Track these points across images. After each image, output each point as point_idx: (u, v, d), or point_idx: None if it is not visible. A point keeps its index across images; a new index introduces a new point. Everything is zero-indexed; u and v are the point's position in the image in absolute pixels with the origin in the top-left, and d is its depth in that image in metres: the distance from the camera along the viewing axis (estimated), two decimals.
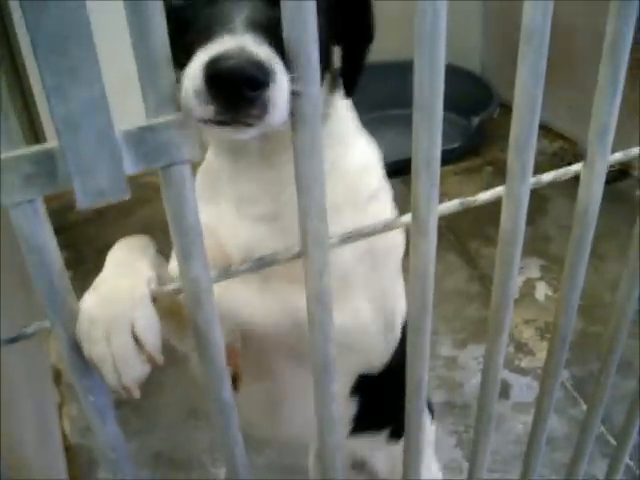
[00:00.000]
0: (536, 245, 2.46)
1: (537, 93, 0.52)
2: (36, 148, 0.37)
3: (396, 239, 0.78)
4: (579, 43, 2.72)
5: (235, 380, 0.76)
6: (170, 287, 0.49)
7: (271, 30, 0.50)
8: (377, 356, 0.79)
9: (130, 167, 0.39)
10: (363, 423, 0.91)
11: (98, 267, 0.57)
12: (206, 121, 0.49)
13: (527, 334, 2.12)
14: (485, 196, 0.58)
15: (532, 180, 0.58)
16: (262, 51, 0.48)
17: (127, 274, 0.51)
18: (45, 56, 0.33)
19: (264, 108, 0.48)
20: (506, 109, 3.44)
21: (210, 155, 0.79)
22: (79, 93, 0.34)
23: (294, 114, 0.44)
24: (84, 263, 2.33)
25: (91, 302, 0.47)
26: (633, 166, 2.94)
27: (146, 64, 0.37)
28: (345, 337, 0.74)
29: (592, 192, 0.63)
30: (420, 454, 0.72)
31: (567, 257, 0.68)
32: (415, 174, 0.51)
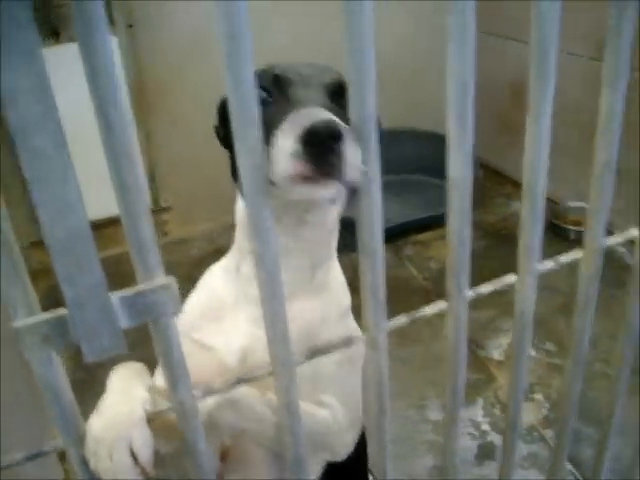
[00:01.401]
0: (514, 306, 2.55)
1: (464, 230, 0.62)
2: (51, 315, 0.47)
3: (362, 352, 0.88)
4: (554, 106, 2.87)
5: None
6: (161, 409, 0.59)
7: (332, 110, 0.66)
8: (345, 448, 0.86)
9: (125, 323, 0.49)
10: None
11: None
12: (297, 179, 0.61)
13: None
14: (430, 310, 0.68)
15: (469, 294, 0.69)
16: (332, 116, 0.62)
17: (126, 400, 0.62)
18: (57, 255, 0.44)
19: (342, 158, 0.59)
20: (488, 171, 3.60)
21: (220, 272, 0.91)
22: (83, 280, 0.45)
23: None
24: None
25: (96, 425, 0.57)
26: (616, 225, 3.05)
27: (137, 245, 0.48)
28: (322, 429, 0.83)
29: (526, 298, 0.72)
30: None
31: (513, 359, 0.78)
32: (364, 301, 0.61)
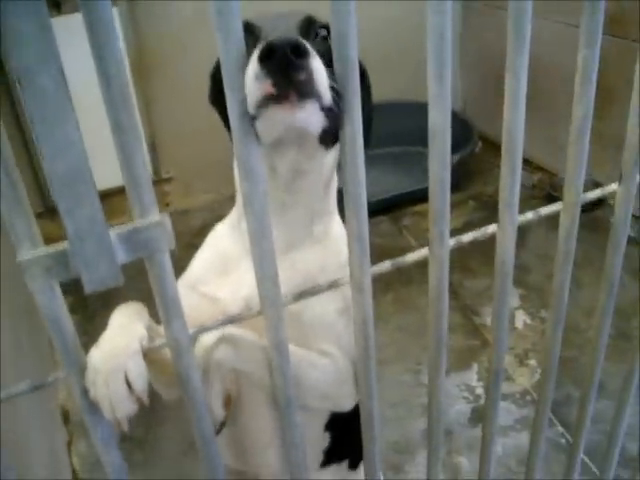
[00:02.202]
0: (515, 275, 2.57)
1: (445, 177, 0.66)
2: (53, 248, 0.51)
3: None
4: (556, 78, 2.88)
5: (222, 424, 0.89)
6: (157, 344, 0.63)
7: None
8: (347, 399, 0.88)
9: (122, 258, 0.52)
10: (331, 455, 1.03)
11: (100, 311, 0.71)
12: (267, 102, 0.59)
13: (507, 361, 2.24)
14: (413, 256, 0.72)
15: (451, 242, 0.72)
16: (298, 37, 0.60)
17: (124, 334, 0.66)
18: (59, 189, 0.47)
19: (310, 76, 0.59)
20: (488, 143, 3.62)
21: (226, 228, 0.95)
22: (83, 214, 0.48)
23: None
24: (88, 307, 2.47)
25: (96, 357, 0.61)
26: (609, 195, 3.07)
27: (133, 184, 0.51)
28: (323, 377, 0.86)
29: (506, 248, 0.76)
30: (377, 475, 0.85)
31: (494, 305, 0.82)
32: (350, 247, 0.64)
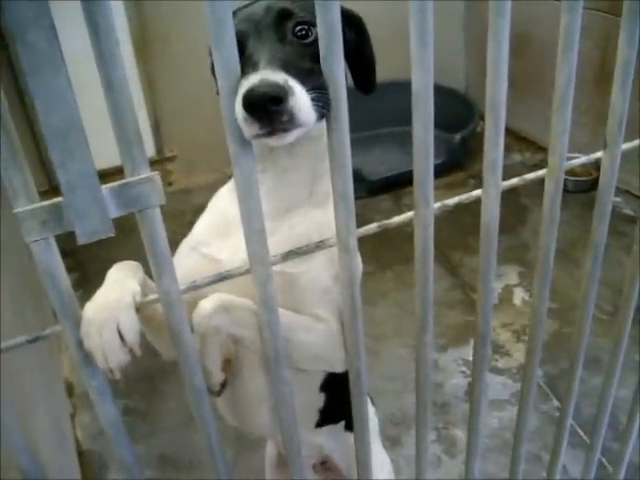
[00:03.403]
0: (515, 253, 2.62)
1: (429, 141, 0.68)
2: (49, 203, 0.53)
3: (359, 265, 0.94)
4: (550, 57, 2.89)
5: (222, 387, 0.92)
6: (149, 298, 0.65)
7: (288, 60, 0.72)
8: (340, 362, 0.91)
9: (114, 212, 0.55)
10: (326, 416, 1.06)
11: (99, 274, 0.74)
12: (258, 136, 0.66)
13: (504, 337, 2.27)
14: (398, 219, 0.74)
15: (436, 205, 0.74)
16: (279, 77, 0.68)
17: (118, 289, 0.68)
18: (53, 142, 0.49)
19: (291, 113, 0.67)
20: None
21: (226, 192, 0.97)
22: (75, 167, 0.50)
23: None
24: (91, 281, 2.50)
25: (90, 309, 0.64)
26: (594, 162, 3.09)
27: (124, 141, 0.53)
28: (317, 341, 0.89)
29: (490, 212, 0.78)
30: (366, 432, 0.88)
31: (480, 268, 0.84)
32: (335, 206, 0.67)
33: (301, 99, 0.68)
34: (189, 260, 0.89)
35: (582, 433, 1.89)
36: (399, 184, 3.11)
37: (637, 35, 0.76)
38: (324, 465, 1.26)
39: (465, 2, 3.71)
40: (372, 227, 0.72)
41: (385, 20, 3.36)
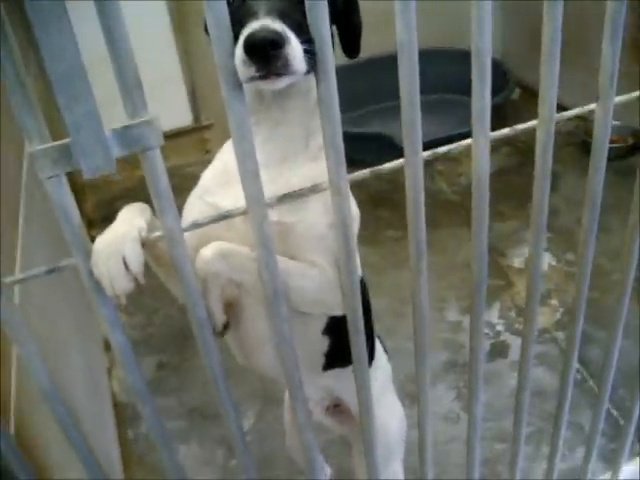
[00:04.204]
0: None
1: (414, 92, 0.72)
2: (59, 143, 0.59)
3: (354, 214, 0.99)
4: (593, 28, 2.86)
5: (225, 328, 0.99)
6: (154, 235, 0.72)
7: (284, 12, 0.79)
8: (338, 305, 0.94)
9: (117, 152, 0.61)
10: (333, 359, 1.12)
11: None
12: (253, 79, 0.74)
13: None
14: (390, 165, 0.78)
15: (426, 153, 0.79)
16: (277, 26, 0.75)
17: (126, 225, 0.75)
18: (58, 87, 0.55)
19: (286, 59, 0.74)
20: (527, 92, 3.61)
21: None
22: (79, 109, 0.57)
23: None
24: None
25: (99, 242, 0.71)
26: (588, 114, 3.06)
27: (125, 88, 0.59)
28: (312, 286, 0.95)
29: (480, 161, 0.82)
30: (365, 371, 0.93)
31: (472, 219, 0.88)
32: (326, 152, 0.72)
33: (296, 48, 0.75)
34: (195, 208, 0.95)
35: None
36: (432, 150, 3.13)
37: None
38: (337, 408, 1.32)
39: None
40: (364, 172, 0.77)
41: None
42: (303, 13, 0.66)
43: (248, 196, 0.70)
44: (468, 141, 0.82)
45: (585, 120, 3.20)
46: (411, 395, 2.00)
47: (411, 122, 0.74)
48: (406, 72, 0.71)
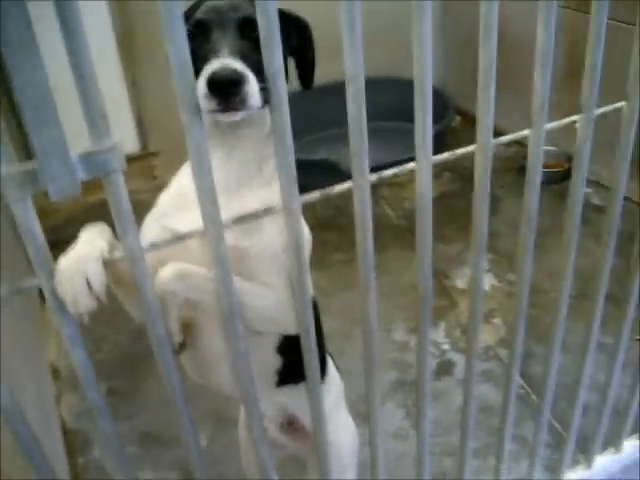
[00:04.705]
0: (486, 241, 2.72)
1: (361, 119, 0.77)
2: (25, 167, 0.62)
3: (307, 238, 1.04)
4: (526, 53, 2.99)
5: (182, 346, 1.02)
6: (114, 255, 0.75)
7: (243, 52, 0.88)
8: (291, 324, 0.97)
9: (82, 175, 0.64)
10: (285, 376, 1.15)
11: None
12: (212, 111, 0.84)
13: None
14: (340, 188, 0.83)
15: (373, 176, 0.84)
16: (238, 65, 0.84)
17: (88, 246, 0.78)
18: (27, 111, 0.59)
19: (244, 96, 0.84)
20: (467, 119, 3.73)
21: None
22: (48, 134, 0.60)
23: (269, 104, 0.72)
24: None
25: (62, 262, 0.74)
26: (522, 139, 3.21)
27: (89, 115, 0.63)
28: (265, 305, 0.98)
29: (423, 182, 0.88)
30: (317, 387, 0.97)
31: (416, 240, 0.94)
32: (280, 174, 0.76)
33: (253, 85, 0.84)
34: (152, 230, 0.99)
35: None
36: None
37: (553, 21, 0.86)
38: (291, 425, 1.35)
39: (441, 2, 3.81)
40: (314, 195, 0.82)
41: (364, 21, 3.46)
42: (259, 51, 0.71)
43: (205, 216, 0.74)
44: (412, 164, 0.88)
45: (524, 146, 3.33)
46: (362, 414, 2.04)
47: (359, 146, 0.79)
48: (354, 102, 0.76)
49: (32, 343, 2.09)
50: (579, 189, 1.08)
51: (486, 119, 0.88)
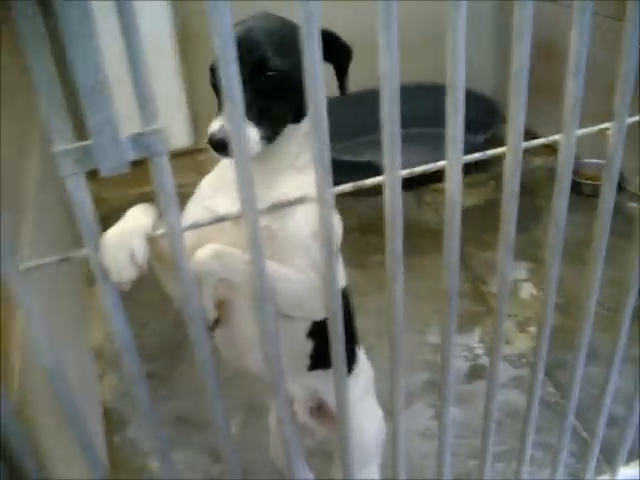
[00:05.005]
0: (527, 250, 2.73)
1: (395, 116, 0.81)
2: (81, 144, 0.68)
3: (337, 227, 1.08)
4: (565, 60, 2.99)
5: (216, 323, 1.08)
6: (158, 232, 0.81)
7: (249, 103, 0.89)
8: (319, 311, 1.05)
9: (130, 155, 0.70)
10: (317, 360, 1.20)
11: None
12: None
13: (508, 327, 2.39)
14: (370, 181, 0.88)
15: (404, 172, 0.88)
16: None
17: (133, 222, 0.84)
18: (85, 97, 0.65)
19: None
20: None
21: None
22: (102, 116, 0.66)
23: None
24: None
25: (108, 235, 0.80)
26: (627, 181, 3.18)
27: (141, 100, 0.68)
28: (295, 288, 1.04)
29: (453, 182, 0.91)
30: (343, 374, 1.01)
31: (445, 237, 0.97)
32: (315, 169, 0.81)
33: (251, 139, 0.96)
34: (193, 211, 1.05)
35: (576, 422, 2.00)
36: (421, 182, 3.25)
37: (587, 26, 0.89)
38: (320, 410, 1.40)
39: (496, 7, 3.82)
40: (347, 186, 0.86)
41: (414, 25, 3.50)
42: (271, 92, 0.76)
43: (243, 201, 0.79)
44: (442, 163, 0.92)
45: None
46: (389, 410, 2.08)
47: (391, 142, 0.83)
48: (387, 100, 0.80)
49: (76, 324, 2.18)
50: (609, 198, 1.10)
51: (517, 121, 0.92)
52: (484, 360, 2.25)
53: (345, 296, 1.20)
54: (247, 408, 2.07)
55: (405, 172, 0.89)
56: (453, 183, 0.92)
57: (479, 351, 2.29)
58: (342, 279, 1.17)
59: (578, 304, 2.37)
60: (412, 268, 3.08)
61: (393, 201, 0.88)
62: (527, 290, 2.56)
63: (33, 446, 0.96)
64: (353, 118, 3.51)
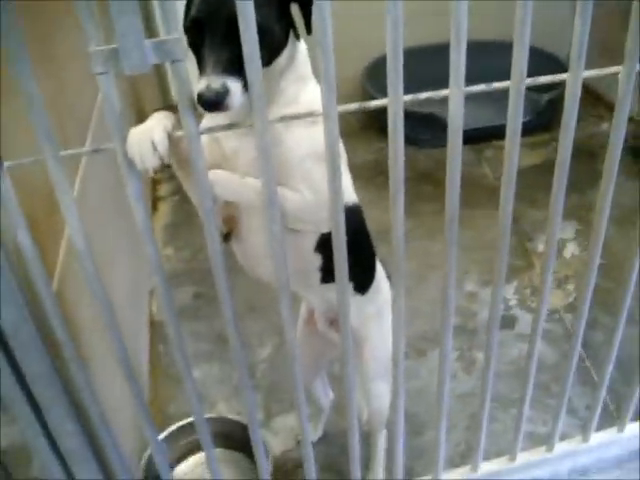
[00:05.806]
0: (577, 211, 2.73)
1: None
2: (109, 47, 0.79)
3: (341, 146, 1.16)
4: None
5: (229, 235, 1.20)
6: (177, 133, 0.91)
7: (228, 62, 0.97)
8: (322, 223, 1.14)
9: (152, 59, 0.80)
10: (328, 273, 1.29)
11: None
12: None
13: None
14: (375, 102, 0.95)
15: (406, 97, 0.95)
16: (219, 83, 0.95)
17: (155, 121, 0.95)
18: (114, 2, 0.75)
19: (227, 104, 0.96)
20: (587, 91, 3.66)
21: None
22: (128, 21, 0.76)
23: None
24: None
25: (133, 131, 0.91)
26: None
27: (164, 14, 0.78)
28: (293, 205, 1.13)
29: (456, 110, 0.98)
30: (345, 282, 1.10)
31: (447, 162, 1.04)
32: (321, 85, 0.89)
33: (235, 94, 0.97)
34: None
35: (594, 374, 2.05)
36: (482, 138, 3.27)
37: None
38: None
39: None
40: (353, 106, 0.94)
41: None
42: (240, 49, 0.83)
43: (255, 110, 0.88)
44: (446, 91, 0.98)
45: (638, 125, 3.26)
46: (418, 350, 2.17)
47: (394, 70, 0.90)
48: (392, 24, 0.87)
49: (136, 239, 2.33)
50: (617, 147, 1.14)
51: (580, 51, 1.00)
52: (516, 311, 2.30)
53: (356, 212, 1.29)
54: (282, 332, 2.19)
55: (408, 97, 0.96)
56: (455, 113, 0.98)
57: (513, 302, 2.34)
58: (352, 196, 1.26)
59: (619, 267, 2.39)
60: (461, 219, 3.13)
61: (395, 127, 0.95)
62: (570, 250, 2.58)
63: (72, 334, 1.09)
64: (420, 71, 3.53)
